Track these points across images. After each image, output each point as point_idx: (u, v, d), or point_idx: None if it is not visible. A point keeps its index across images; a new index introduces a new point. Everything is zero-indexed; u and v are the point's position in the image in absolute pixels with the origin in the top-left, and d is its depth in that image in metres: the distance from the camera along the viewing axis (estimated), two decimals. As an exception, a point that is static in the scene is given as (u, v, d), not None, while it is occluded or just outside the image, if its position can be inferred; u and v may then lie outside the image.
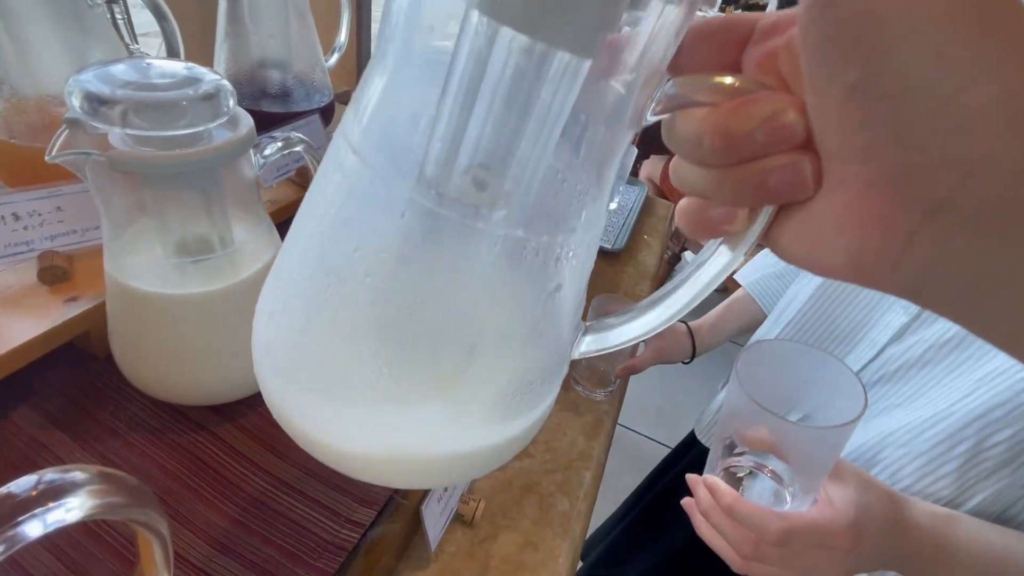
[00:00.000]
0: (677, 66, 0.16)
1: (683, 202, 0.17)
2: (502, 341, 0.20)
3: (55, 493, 0.16)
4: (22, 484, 0.16)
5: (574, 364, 0.62)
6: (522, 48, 0.14)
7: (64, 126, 0.28)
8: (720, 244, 0.17)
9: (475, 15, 0.14)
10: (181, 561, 0.33)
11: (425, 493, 0.41)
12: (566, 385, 0.62)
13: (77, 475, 0.17)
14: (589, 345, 0.21)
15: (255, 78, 0.56)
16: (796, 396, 0.40)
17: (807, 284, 0.56)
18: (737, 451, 0.40)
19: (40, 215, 0.39)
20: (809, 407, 0.40)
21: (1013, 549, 0.37)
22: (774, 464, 0.39)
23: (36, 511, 0.16)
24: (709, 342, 0.70)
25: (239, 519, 0.36)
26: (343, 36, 0.66)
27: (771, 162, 0.14)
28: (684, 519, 0.42)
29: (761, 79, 0.14)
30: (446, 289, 0.18)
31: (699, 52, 0.16)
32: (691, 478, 0.42)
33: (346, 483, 0.39)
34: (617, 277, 0.84)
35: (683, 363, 0.70)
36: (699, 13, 0.16)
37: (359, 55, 0.91)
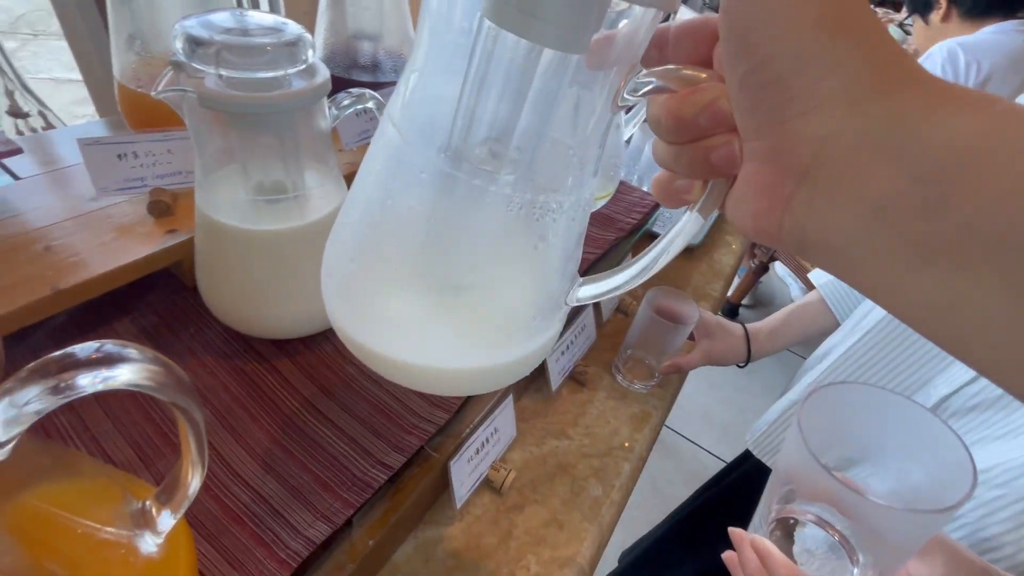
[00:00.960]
0: (662, 57, 0.20)
1: (656, 175, 0.20)
2: (499, 276, 0.25)
3: (110, 360, 0.19)
4: (85, 348, 0.19)
5: (619, 352, 0.60)
6: (522, 46, 0.18)
7: (169, 67, 0.31)
8: (685, 211, 0.20)
9: (485, 22, 0.18)
10: (234, 474, 0.37)
11: (455, 449, 0.42)
12: (610, 371, 0.61)
13: (132, 351, 0.20)
14: (583, 293, 0.24)
15: (349, 49, 0.60)
16: (873, 452, 0.35)
17: None
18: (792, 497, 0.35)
19: (154, 155, 0.45)
20: (887, 466, 0.34)
21: None
22: (842, 525, 0.34)
23: (92, 370, 0.18)
24: (766, 348, 0.66)
25: (285, 445, 0.39)
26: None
27: (713, 141, 0.17)
28: (721, 537, 0.38)
29: (721, 71, 0.17)
30: (455, 234, 0.23)
31: (681, 46, 0.19)
32: (735, 534, 0.36)
33: (383, 428, 0.41)
34: (688, 273, 0.80)
35: (738, 366, 0.66)
36: (682, 14, 0.19)
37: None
